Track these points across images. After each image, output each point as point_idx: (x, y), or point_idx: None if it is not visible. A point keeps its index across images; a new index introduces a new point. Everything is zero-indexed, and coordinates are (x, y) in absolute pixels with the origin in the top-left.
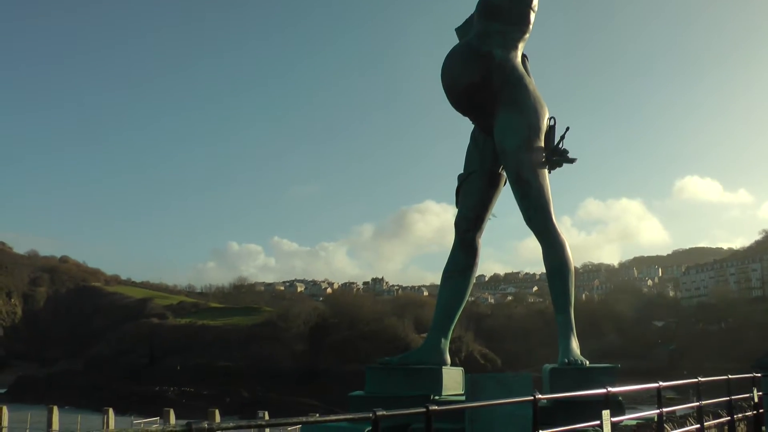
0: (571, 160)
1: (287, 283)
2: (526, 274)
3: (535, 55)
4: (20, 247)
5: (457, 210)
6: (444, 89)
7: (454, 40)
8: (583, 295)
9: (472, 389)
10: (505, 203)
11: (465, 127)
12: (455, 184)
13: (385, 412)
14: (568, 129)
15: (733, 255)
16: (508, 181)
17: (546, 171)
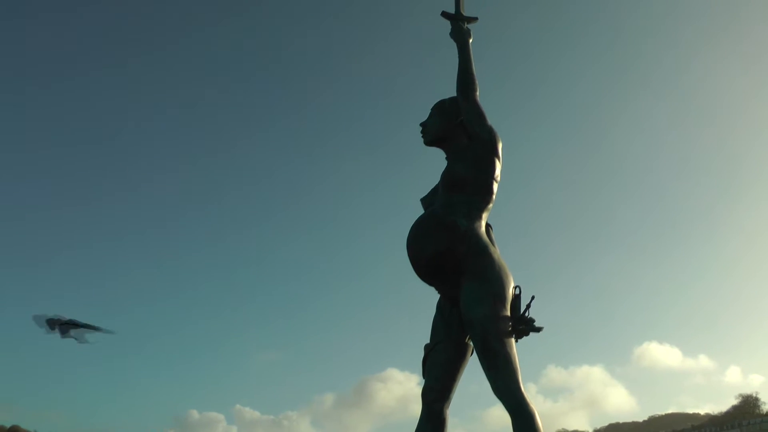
0: (538, 329)
1: None
2: None
3: (498, 223)
4: None
5: (423, 381)
6: (409, 259)
7: (416, 210)
8: None
9: None
10: (470, 372)
11: (428, 296)
12: (418, 352)
13: None
14: (533, 298)
15: (711, 420)
16: (474, 351)
17: (513, 340)
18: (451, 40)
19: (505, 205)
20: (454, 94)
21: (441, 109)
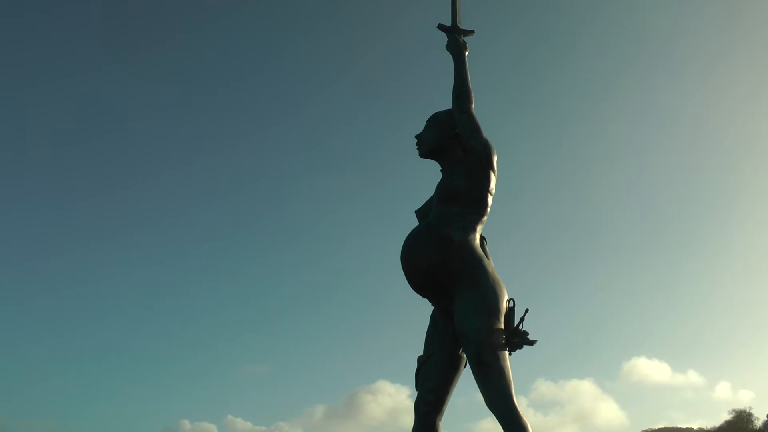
0: (532, 342)
1: None
2: None
3: (493, 237)
4: None
5: (415, 393)
6: (403, 271)
7: (408, 218)
8: None
9: None
10: (459, 384)
11: (421, 308)
12: (409, 364)
13: None
14: (527, 311)
15: None
16: (468, 364)
17: (506, 353)
18: (447, 52)
19: (496, 217)
20: (449, 104)
21: (436, 121)
